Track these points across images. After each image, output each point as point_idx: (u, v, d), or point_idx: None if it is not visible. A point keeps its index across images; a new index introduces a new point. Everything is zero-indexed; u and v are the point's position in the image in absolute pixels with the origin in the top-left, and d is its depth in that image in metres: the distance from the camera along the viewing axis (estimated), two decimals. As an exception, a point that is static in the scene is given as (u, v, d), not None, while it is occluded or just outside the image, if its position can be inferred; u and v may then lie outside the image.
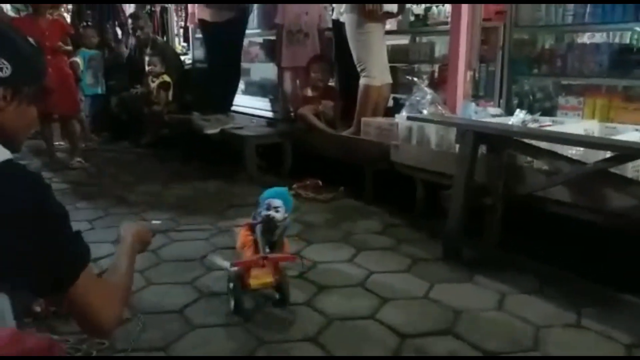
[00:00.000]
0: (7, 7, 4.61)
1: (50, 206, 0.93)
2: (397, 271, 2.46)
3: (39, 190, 0.92)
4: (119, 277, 1.13)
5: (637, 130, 2.60)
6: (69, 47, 4.50)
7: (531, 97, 3.21)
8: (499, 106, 3.24)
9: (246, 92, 5.01)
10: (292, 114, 4.28)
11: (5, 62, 0.96)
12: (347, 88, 3.88)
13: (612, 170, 2.10)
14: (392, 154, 3.19)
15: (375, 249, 2.72)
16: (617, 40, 3.48)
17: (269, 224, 2.07)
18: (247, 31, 4.51)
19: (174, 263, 2.54)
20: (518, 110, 2.81)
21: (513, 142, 2.40)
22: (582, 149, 2.29)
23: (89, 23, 5.56)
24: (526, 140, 2.37)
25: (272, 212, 2.08)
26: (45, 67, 1.11)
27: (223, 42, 4.13)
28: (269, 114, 4.61)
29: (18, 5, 4.61)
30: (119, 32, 5.95)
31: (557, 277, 2.30)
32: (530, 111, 2.92)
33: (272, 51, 4.68)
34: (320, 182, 3.68)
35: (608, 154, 2.13)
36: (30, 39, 1.09)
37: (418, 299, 2.19)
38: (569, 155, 2.27)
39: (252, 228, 2.11)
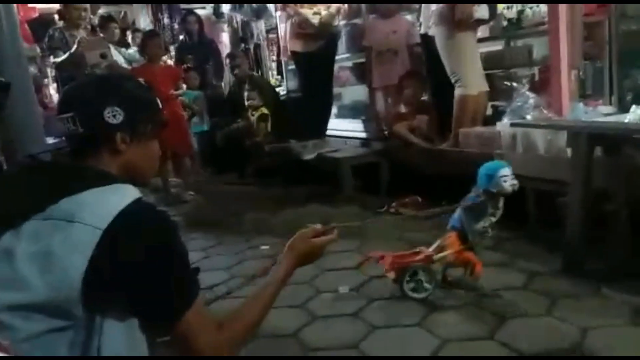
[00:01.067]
0: (121, 60, 5.13)
1: (175, 245, 1.00)
2: (514, 287, 2.34)
3: (166, 229, 1.01)
4: (248, 309, 1.15)
5: None
6: (180, 91, 4.92)
7: (647, 91, 2.94)
8: (610, 104, 3.00)
9: (339, 115, 5.10)
10: (386, 132, 4.28)
11: (117, 109, 1.06)
12: (442, 101, 3.81)
13: None
14: (496, 164, 3.06)
15: (488, 266, 2.60)
16: None
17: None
18: (337, 57, 4.63)
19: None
20: (634, 106, 2.58)
21: (633, 140, 2.20)
22: None
23: (190, 66, 6.04)
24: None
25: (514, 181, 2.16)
26: (156, 101, 1.19)
27: (315, 71, 4.27)
28: (363, 135, 4.66)
29: (134, 56, 5.10)
30: (219, 71, 6.36)
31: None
32: (648, 106, 2.67)
33: (362, 73, 4.74)
34: (419, 199, 3.61)
35: None
36: (140, 80, 1.20)
37: (540, 317, 2.06)
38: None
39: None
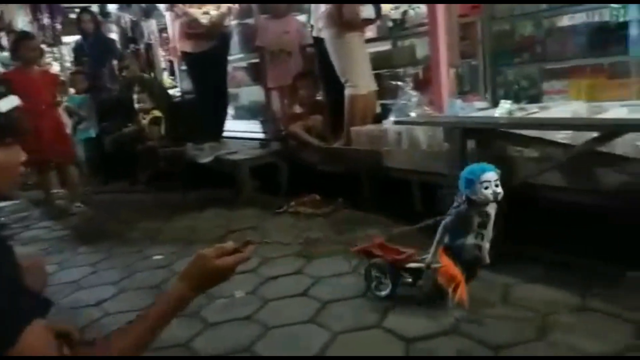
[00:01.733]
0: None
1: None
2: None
3: None
4: (116, 342, 1.05)
5: (623, 106, 2.58)
6: (58, 99, 4.56)
7: (516, 87, 3.21)
8: (485, 99, 3.23)
9: (236, 116, 5.04)
10: (282, 132, 4.29)
11: None
12: (335, 101, 3.88)
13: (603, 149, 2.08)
14: (385, 160, 3.18)
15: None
16: (596, 19, 3.48)
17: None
18: (231, 57, 4.55)
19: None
20: (503, 100, 2.80)
21: (499, 133, 2.38)
22: (570, 132, 2.28)
23: (80, 69, 5.65)
24: (513, 131, 2.35)
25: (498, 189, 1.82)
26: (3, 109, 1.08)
27: (207, 71, 4.17)
28: (261, 136, 4.63)
29: (4, 59, 4.68)
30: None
31: (561, 262, 2.27)
32: (517, 100, 2.91)
33: (257, 74, 4.72)
34: (318, 197, 3.67)
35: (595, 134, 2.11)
36: None
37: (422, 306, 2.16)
38: (558, 140, 2.25)
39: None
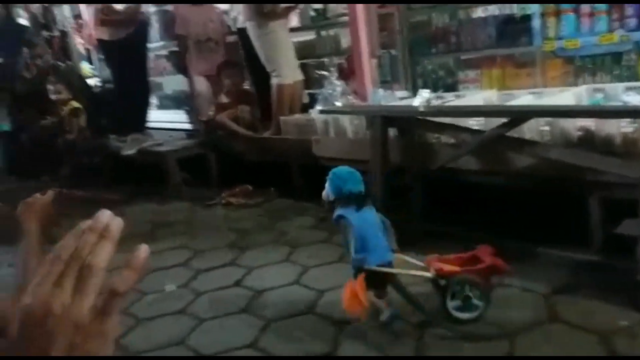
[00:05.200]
0: None
1: None
2: (331, 262, 2.52)
3: None
4: None
5: (531, 93, 2.80)
6: None
7: (433, 76, 3.36)
8: (406, 89, 3.36)
9: (161, 106, 4.90)
10: (209, 122, 4.24)
11: None
12: (263, 90, 3.89)
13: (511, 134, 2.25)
14: (314, 148, 3.25)
15: (309, 244, 2.77)
16: (506, 11, 3.70)
17: None
18: (152, 45, 4.41)
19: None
20: (421, 89, 2.94)
21: (416, 121, 2.52)
22: (482, 119, 2.45)
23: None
24: (430, 118, 2.49)
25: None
26: None
27: (126, 60, 4.02)
28: (187, 126, 4.55)
29: None
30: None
31: (476, 240, 2.44)
32: (435, 89, 3.07)
33: (180, 62, 4.61)
34: (250, 187, 3.69)
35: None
36: None
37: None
38: (470, 127, 2.42)
39: None
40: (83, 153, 4.66)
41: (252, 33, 3.56)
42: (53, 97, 4.90)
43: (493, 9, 3.64)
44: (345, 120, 3.05)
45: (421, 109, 2.49)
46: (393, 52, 3.48)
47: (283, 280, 2.40)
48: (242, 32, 3.81)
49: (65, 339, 0.47)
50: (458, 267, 1.86)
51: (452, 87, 3.27)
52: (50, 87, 4.92)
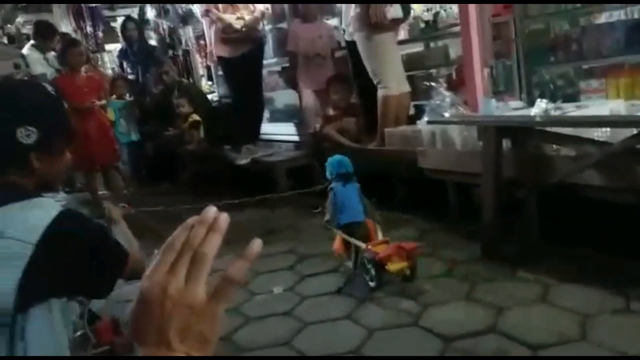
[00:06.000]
0: (51, 70, 4.91)
1: (100, 238, 1.13)
2: (437, 276, 2.46)
3: (92, 231, 1.12)
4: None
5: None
6: (104, 102, 4.77)
7: (552, 86, 3.17)
8: (520, 99, 3.21)
9: (272, 119, 5.13)
10: (316, 134, 4.36)
11: (30, 129, 1.03)
12: (368, 103, 3.93)
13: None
14: (419, 161, 3.20)
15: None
16: (635, 16, 3.40)
17: None
18: (266, 61, 4.65)
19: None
20: (539, 100, 2.79)
21: (534, 131, 2.39)
22: (608, 130, 2.26)
23: (122, 75, 5.87)
24: (549, 129, 2.35)
25: None
26: (66, 113, 1.20)
27: (243, 75, 4.28)
28: (296, 138, 4.71)
29: (56, 65, 4.90)
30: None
31: (601, 262, 2.25)
32: (553, 100, 2.89)
33: (290, 77, 4.81)
34: (352, 198, 3.71)
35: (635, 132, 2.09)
36: (49, 89, 1.19)
37: (460, 301, 2.19)
38: (595, 138, 2.24)
39: None
40: (201, 162, 5.02)
41: (359, 45, 3.62)
42: (176, 110, 5.36)
43: (618, 14, 3.37)
44: (454, 131, 2.97)
45: (538, 119, 2.36)
46: (507, 61, 3.34)
47: (386, 291, 2.38)
48: (350, 45, 3.88)
49: (181, 320, 0.52)
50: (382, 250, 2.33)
51: (572, 98, 3.06)
52: (174, 101, 5.39)
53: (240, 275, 0.53)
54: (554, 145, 2.48)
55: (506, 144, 2.55)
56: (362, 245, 2.40)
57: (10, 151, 1.04)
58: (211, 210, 0.55)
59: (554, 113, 2.71)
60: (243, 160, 4.37)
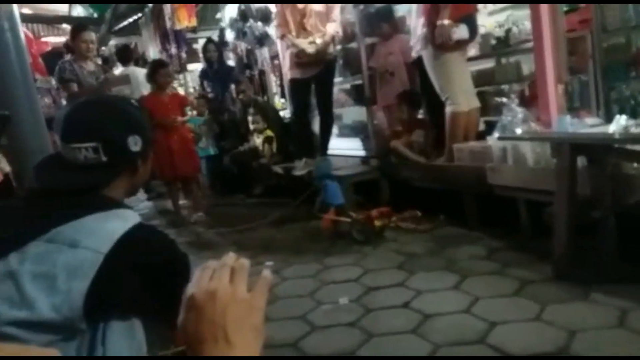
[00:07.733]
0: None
1: (175, 256, 1.12)
2: (505, 295, 2.42)
3: (166, 247, 1.13)
4: None
5: None
6: (187, 118, 5.13)
7: (632, 102, 3.04)
8: (597, 116, 3.10)
9: (340, 135, 5.25)
10: (383, 149, 4.43)
11: (137, 137, 1.17)
12: (436, 118, 3.93)
13: None
14: (489, 177, 3.17)
15: (481, 275, 2.70)
16: None
17: None
18: (336, 79, 4.81)
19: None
20: (618, 116, 2.69)
21: (613, 149, 2.31)
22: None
23: (202, 93, 6.27)
24: (629, 147, 2.27)
25: None
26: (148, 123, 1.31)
27: (314, 95, 4.48)
28: (363, 153, 4.79)
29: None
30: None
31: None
32: (633, 116, 2.77)
33: (358, 95, 4.95)
34: (419, 213, 3.72)
35: None
36: (133, 101, 1.33)
37: (530, 322, 2.15)
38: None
39: None
40: (273, 175, 5.23)
41: (427, 62, 3.64)
42: (252, 126, 5.63)
43: None
44: (526, 148, 2.92)
45: (617, 136, 2.28)
46: (583, 77, 3.25)
47: (452, 307, 2.37)
48: (418, 60, 3.92)
49: (234, 314, 0.63)
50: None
51: (655, 114, 2.92)
52: (249, 117, 5.67)
53: (271, 276, 0.68)
54: (635, 164, 2.39)
55: (581, 161, 2.48)
56: (352, 215, 3.61)
57: (124, 157, 1.17)
58: (230, 256, 0.69)
59: (634, 130, 2.61)
60: (299, 172, 4.53)
